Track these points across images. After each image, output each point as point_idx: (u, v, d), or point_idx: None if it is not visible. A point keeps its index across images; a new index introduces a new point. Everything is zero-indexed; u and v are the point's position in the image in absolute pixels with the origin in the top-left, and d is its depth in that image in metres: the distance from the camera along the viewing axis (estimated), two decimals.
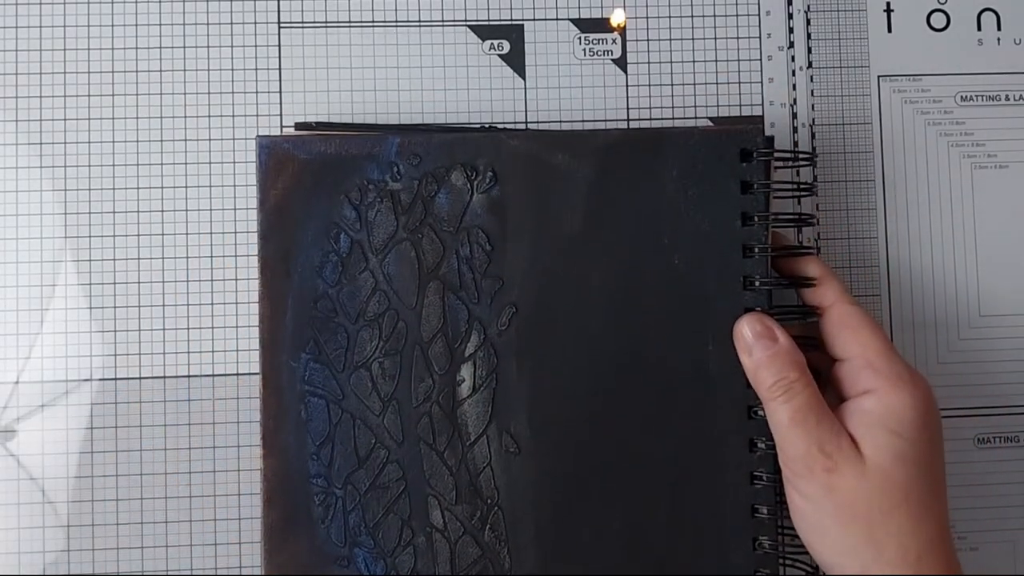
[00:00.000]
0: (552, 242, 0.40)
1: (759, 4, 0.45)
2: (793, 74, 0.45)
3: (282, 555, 0.39)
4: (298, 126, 0.42)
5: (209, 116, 0.43)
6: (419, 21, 0.44)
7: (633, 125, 0.44)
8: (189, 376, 0.42)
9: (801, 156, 0.42)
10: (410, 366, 0.40)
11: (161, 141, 0.43)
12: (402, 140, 0.40)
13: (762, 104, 0.45)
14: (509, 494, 0.40)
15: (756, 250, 0.39)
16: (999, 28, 0.46)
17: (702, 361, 0.39)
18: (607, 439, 0.40)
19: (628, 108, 0.44)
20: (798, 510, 0.37)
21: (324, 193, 0.39)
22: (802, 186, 0.42)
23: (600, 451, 0.40)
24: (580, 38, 0.45)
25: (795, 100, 0.45)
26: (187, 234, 0.43)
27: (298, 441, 0.39)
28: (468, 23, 0.44)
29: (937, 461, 0.37)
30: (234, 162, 0.43)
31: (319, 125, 0.42)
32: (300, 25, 0.44)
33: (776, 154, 0.40)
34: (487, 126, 0.44)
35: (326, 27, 0.44)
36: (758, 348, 0.38)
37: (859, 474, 0.36)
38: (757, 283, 0.39)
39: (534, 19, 0.44)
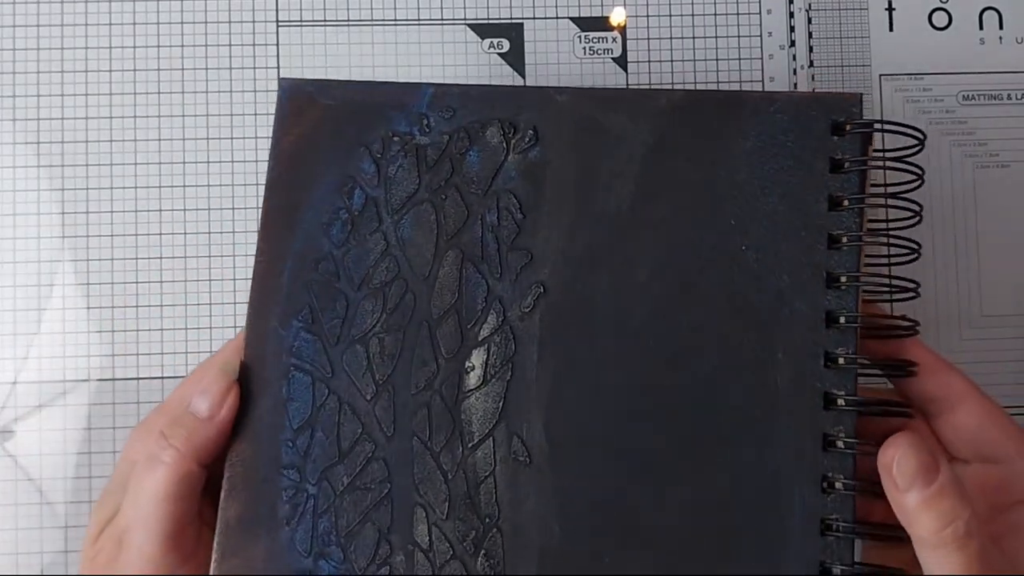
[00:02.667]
0: (596, 216, 0.34)
1: (760, 3, 0.45)
2: (794, 73, 0.45)
3: (235, 559, 0.34)
4: (283, 82, 0.37)
5: (207, 115, 0.43)
6: (418, 20, 0.44)
7: None
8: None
9: (912, 134, 0.34)
10: (413, 346, 0.34)
11: (159, 140, 0.43)
12: (436, 90, 0.35)
13: None
14: (512, 513, 0.33)
15: (845, 240, 0.33)
16: (1001, 27, 0.45)
17: (768, 372, 0.33)
18: (640, 457, 0.33)
19: None
20: None
21: (343, 143, 0.35)
22: (916, 174, 0.34)
23: (630, 472, 0.33)
24: (580, 36, 0.44)
25: None
26: (186, 234, 0.42)
27: (274, 423, 0.34)
28: (468, 22, 0.44)
29: None
30: (232, 161, 0.43)
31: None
32: (299, 24, 0.44)
33: (884, 127, 0.33)
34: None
35: (324, 26, 0.44)
36: (919, 484, 0.30)
37: None
38: (844, 280, 0.33)
39: (534, 17, 0.44)
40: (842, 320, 0.33)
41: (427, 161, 0.35)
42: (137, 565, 0.32)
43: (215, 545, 0.34)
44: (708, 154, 0.34)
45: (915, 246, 0.34)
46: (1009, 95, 0.45)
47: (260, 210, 0.36)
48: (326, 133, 0.35)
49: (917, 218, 0.34)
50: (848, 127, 0.33)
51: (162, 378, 0.42)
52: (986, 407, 0.34)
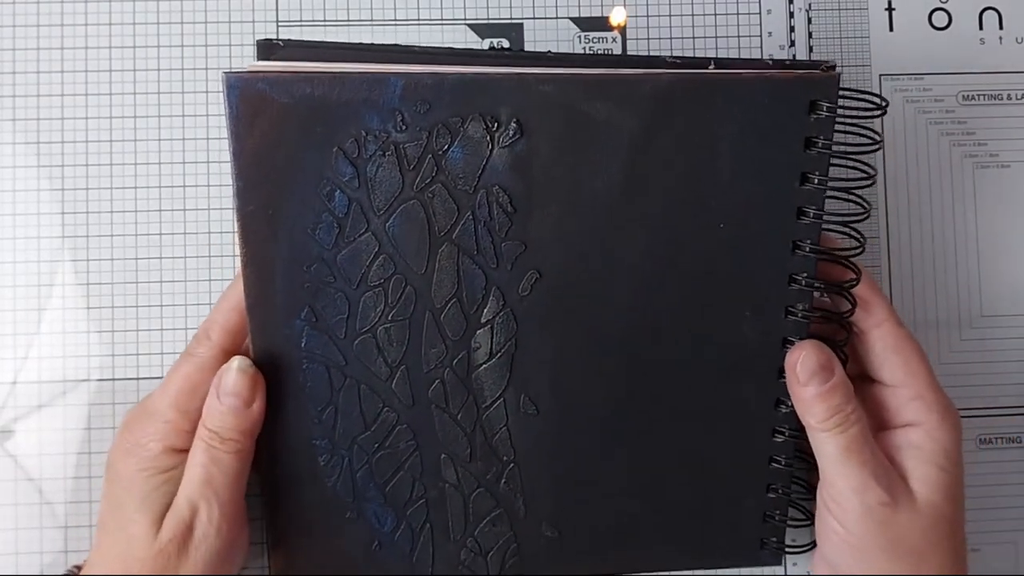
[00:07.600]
0: (585, 203, 0.35)
1: (760, 3, 0.45)
2: None
3: (287, 510, 0.38)
4: (260, 45, 0.36)
5: (207, 115, 0.43)
6: (418, 20, 0.44)
7: None
8: None
9: (875, 104, 0.36)
10: (420, 332, 0.36)
11: (159, 140, 0.43)
12: (407, 82, 0.34)
13: None
14: (526, 453, 0.38)
15: (811, 214, 0.36)
16: (1001, 27, 0.45)
17: (737, 329, 0.37)
18: (632, 405, 0.38)
19: None
20: (840, 542, 0.37)
21: (313, 144, 0.34)
22: (873, 139, 0.37)
23: (624, 415, 0.38)
24: (580, 36, 0.44)
25: None
26: (185, 234, 0.42)
27: (297, 406, 0.37)
28: (468, 22, 0.44)
29: (963, 490, 0.37)
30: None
31: (288, 44, 0.36)
32: (299, 24, 0.44)
33: (851, 104, 0.36)
34: (508, 50, 0.41)
35: (324, 26, 0.44)
36: (816, 380, 0.36)
37: (912, 509, 0.36)
38: (807, 248, 0.36)
39: (534, 17, 0.44)
40: (802, 282, 0.37)
41: (408, 159, 0.35)
42: (216, 539, 0.36)
43: (264, 505, 0.38)
44: (691, 139, 0.35)
45: (867, 206, 0.37)
46: (1009, 95, 0.45)
47: (235, 218, 0.36)
48: (291, 134, 0.34)
49: (871, 180, 0.37)
50: (824, 107, 0.35)
51: (162, 378, 0.42)
52: (895, 334, 0.37)
